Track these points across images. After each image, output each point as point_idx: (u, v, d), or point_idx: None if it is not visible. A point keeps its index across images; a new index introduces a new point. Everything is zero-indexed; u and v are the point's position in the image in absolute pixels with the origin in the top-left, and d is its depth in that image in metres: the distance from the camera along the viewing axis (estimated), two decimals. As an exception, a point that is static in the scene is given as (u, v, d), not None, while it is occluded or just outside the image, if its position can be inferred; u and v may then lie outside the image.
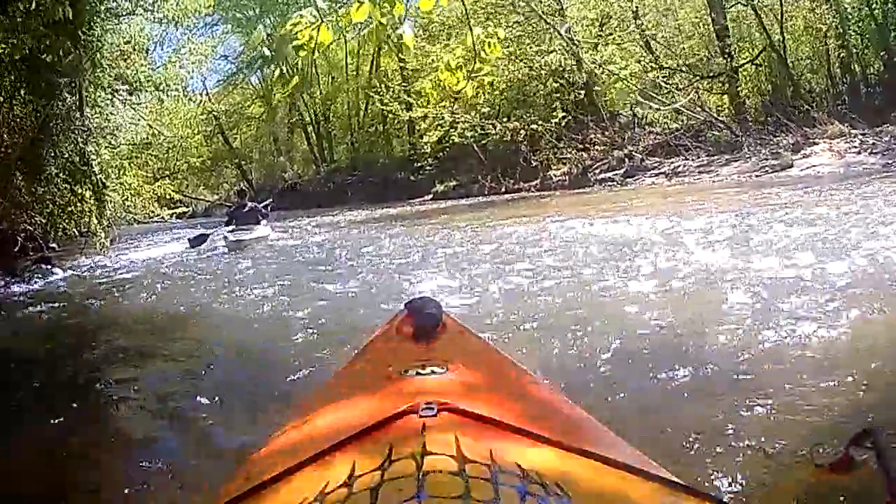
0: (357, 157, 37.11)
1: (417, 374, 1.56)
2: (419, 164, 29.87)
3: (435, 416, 1.23)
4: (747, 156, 20.14)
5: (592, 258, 7.96)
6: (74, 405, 4.45)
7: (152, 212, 21.29)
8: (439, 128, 27.43)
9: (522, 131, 26.14)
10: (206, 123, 39.91)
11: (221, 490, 1.33)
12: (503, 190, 25.78)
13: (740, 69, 24.07)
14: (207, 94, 40.27)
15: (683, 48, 26.01)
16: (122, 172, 16.29)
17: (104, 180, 13.04)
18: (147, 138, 24.83)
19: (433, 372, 1.56)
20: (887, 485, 1.21)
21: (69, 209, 12.75)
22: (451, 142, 27.33)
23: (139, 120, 20.08)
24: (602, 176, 23.48)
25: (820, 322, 4.41)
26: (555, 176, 25.17)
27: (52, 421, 4.07)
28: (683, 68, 25.27)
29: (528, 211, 16.08)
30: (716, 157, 21.17)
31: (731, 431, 3.04)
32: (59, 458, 3.65)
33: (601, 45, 25.90)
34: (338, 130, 40.01)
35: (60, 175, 12.22)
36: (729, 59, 23.61)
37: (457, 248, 10.44)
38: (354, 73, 37.67)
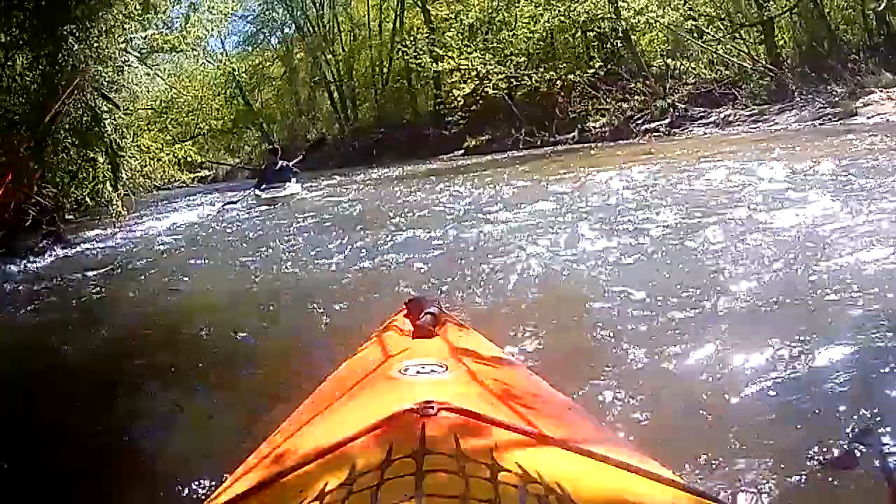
0: (382, 114, 36.35)
1: (417, 373, 1.56)
2: (449, 119, 28.69)
3: (435, 415, 1.22)
4: (801, 105, 19.20)
5: (705, 210, 6.87)
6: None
7: (172, 176, 20.19)
8: (470, 81, 26.51)
9: (559, 82, 25.46)
10: (227, 85, 39.44)
11: (221, 489, 1.34)
12: (539, 143, 24.60)
13: (776, 19, 23.10)
14: (226, 55, 39.96)
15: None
16: (139, 135, 15.27)
17: (119, 142, 11.79)
18: (166, 101, 24.04)
19: (433, 371, 1.56)
20: (887, 478, 1.48)
21: (81, 176, 11.62)
22: (482, 95, 26.40)
23: (157, 80, 19.07)
24: (645, 126, 22.42)
25: None
26: (594, 128, 24.15)
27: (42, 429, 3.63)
28: (723, 16, 24.56)
29: (581, 163, 14.81)
30: (766, 106, 20.23)
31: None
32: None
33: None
34: (361, 88, 39.10)
35: (70, 138, 11.05)
36: (765, 8, 22.78)
37: (509, 205, 9.27)
38: (377, 29, 36.91)
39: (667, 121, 22.02)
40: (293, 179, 14.87)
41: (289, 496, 1.11)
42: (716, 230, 5.79)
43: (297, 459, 1.21)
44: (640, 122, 22.87)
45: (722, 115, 20.95)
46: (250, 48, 42.36)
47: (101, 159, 11.51)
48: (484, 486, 1.00)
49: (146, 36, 13.84)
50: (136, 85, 15.25)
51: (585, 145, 21.89)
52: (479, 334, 2.23)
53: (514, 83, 26.15)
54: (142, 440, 3.53)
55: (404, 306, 2.25)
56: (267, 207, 13.39)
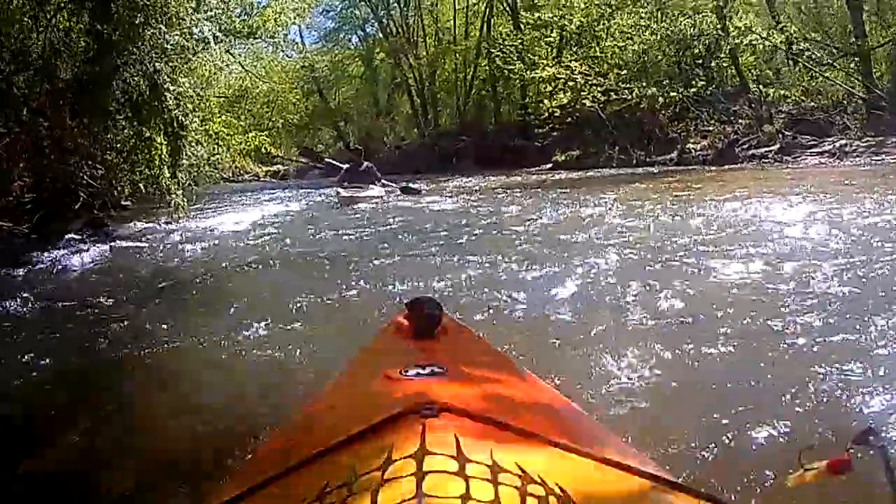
0: (464, 121, 34.93)
1: (418, 374, 1.56)
2: (541, 131, 27.20)
3: (435, 416, 1.23)
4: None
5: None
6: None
7: (243, 167, 18.72)
8: (564, 92, 25.18)
9: (661, 98, 23.85)
10: (304, 80, 38.83)
11: (222, 489, 1.38)
12: (634, 162, 23.04)
13: (874, 50, 22.01)
14: (305, 49, 39.39)
15: (813, 23, 24.73)
16: (208, 120, 13.77)
17: (182, 120, 10.05)
18: (240, 89, 22.82)
19: (433, 372, 1.57)
20: (890, 481, 1.33)
21: (135, 157, 10.01)
22: (576, 107, 24.96)
23: (232, 64, 17.74)
24: (752, 152, 20.94)
25: None
26: (694, 150, 22.63)
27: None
28: (828, 43, 23.71)
29: (710, 188, 13.04)
30: (881, 138, 18.77)
31: None
32: None
33: (737, 13, 23.68)
34: (443, 93, 37.90)
35: (123, 110, 9.43)
36: (864, 38, 21.54)
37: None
38: (463, 34, 35.68)
39: (776, 147, 20.59)
40: (377, 183, 14.80)
41: (289, 496, 1.11)
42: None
43: (298, 459, 1.20)
44: (745, 146, 21.49)
45: (837, 146, 19.55)
46: (330, 45, 41.63)
47: (159, 139, 9.84)
48: (484, 486, 1.00)
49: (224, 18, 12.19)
50: (210, 60, 13.78)
51: (688, 168, 20.48)
52: (479, 336, 2.25)
53: (612, 97, 24.56)
54: (142, 441, 3.49)
55: (405, 307, 2.12)
56: (346, 209, 13.06)
